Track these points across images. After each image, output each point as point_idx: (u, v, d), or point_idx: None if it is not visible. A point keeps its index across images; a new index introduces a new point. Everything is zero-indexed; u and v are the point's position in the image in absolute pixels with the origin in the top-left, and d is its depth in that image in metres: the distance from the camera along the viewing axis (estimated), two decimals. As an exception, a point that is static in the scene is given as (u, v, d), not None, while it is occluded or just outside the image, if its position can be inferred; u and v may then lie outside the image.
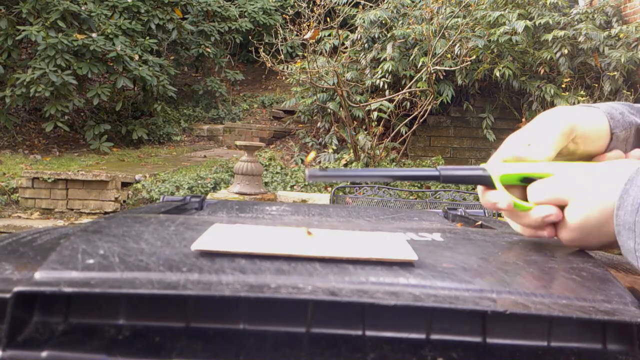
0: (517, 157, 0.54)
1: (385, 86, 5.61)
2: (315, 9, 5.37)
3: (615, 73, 5.13)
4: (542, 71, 5.38)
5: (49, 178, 4.86)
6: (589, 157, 0.57)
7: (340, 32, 5.81)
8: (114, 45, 6.18)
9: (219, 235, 0.49)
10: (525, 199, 0.54)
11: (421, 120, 5.37)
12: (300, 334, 0.36)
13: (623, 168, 0.46)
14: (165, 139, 7.41)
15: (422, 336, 0.36)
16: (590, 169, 0.50)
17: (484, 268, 0.43)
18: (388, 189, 3.90)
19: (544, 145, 0.53)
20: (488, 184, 0.54)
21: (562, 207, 0.51)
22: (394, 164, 5.42)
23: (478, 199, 4.44)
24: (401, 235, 0.55)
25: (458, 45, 5.34)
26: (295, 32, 5.45)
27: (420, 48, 5.63)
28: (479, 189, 0.56)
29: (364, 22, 5.88)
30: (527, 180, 0.54)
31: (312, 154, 0.60)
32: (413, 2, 6.15)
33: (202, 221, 0.59)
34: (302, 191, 5.05)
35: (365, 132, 5.37)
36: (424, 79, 5.26)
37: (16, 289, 0.34)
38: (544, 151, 0.53)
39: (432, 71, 5.11)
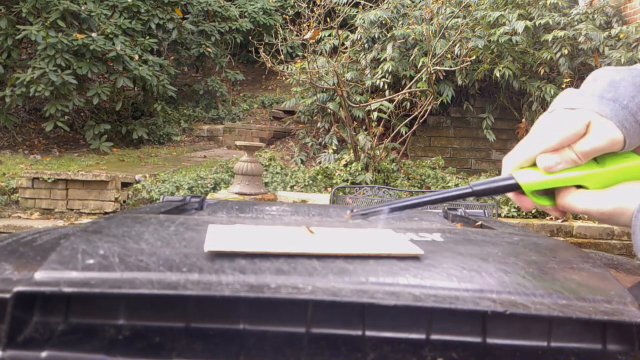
0: (546, 168, 0.54)
1: (385, 86, 5.61)
2: (315, 9, 5.37)
3: (615, 73, 5.13)
4: (542, 71, 5.38)
5: (49, 178, 4.86)
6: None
7: (340, 32, 5.81)
8: (113, 44, 6.18)
9: (227, 236, 0.49)
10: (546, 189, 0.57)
11: (421, 121, 5.37)
12: (300, 334, 0.36)
13: None
14: (165, 139, 7.41)
15: (422, 336, 0.36)
16: (611, 194, 0.52)
17: (484, 268, 0.43)
18: (388, 189, 3.90)
19: (583, 158, 0.53)
20: (518, 191, 0.55)
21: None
22: (394, 164, 5.42)
23: (478, 199, 4.43)
24: (401, 235, 0.55)
25: (458, 45, 5.34)
26: (295, 33, 5.45)
27: (420, 48, 5.63)
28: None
29: (364, 22, 5.88)
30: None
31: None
32: (413, 2, 6.15)
33: (202, 221, 0.59)
34: (302, 191, 5.05)
35: (365, 133, 5.37)
36: (424, 79, 5.26)
37: (16, 289, 0.34)
38: (580, 162, 0.53)
39: (432, 71, 5.11)
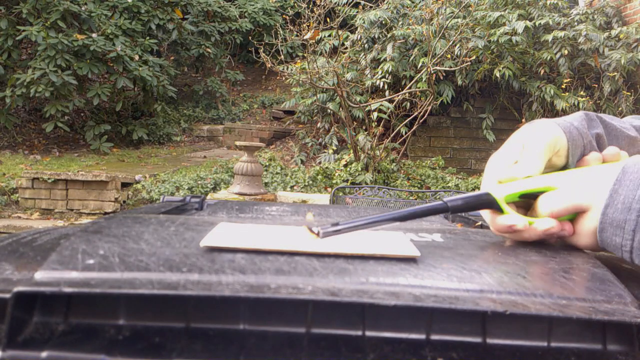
0: (511, 177, 0.55)
1: (385, 86, 5.61)
2: (315, 9, 5.37)
3: (615, 74, 5.14)
4: (542, 72, 5.38)
5: (48, 178, 4.86)
6: (563, 167, 0.59)
7: (340, 32, 5.81)
8: (114, 45, 6.18)
9: (226, 233, 0.49)
10: (523, 214, 0.56)
11: (421, 121, 5.37)
12: (300, 334, 0.36)
13: (610, 169, 0.50)
14: (165, 139, 7.41)
15: (422, 336, 0.36)
16: (587, 174, 0.52)
17: (484, 268, 0.43)
18: (388, 189, 3.90)
19: (534, 160, 0.55)
20: (494, 207, 0.55)
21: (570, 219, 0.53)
22: (394, 164, 5.42)
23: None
24: (401, 235, 0.55)
25: (458, 45, 5.34)
26: (295, 33, 5.45)
27: (420, 48, 5.63)
28: (486, 215, 0.57)
29: (364, 22, 5.88)
30: (526, 197, 0.55)
31: (310, 215, 0.56)
32: (413, 2, 6.15)
33: (202, 221, 0.59)
34: (302, 192, 5.05)
35: (365, 133, 5.37)
36: (424, 80, 5.26)
37: (16, 289, 0.34)
38: (535, 166, 0.55)
39: (432, 71, 5.11)
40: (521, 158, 0.56)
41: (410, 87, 5.33)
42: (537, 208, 0.54)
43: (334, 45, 6.10)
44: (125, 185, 5.10)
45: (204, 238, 0.47)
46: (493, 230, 0.56)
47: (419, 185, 5.24)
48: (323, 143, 6.22)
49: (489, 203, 0.54)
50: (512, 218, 0.53)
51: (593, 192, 0.50)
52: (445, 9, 5.39)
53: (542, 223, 0.52)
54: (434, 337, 0.36)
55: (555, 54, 5.30)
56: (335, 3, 5.92)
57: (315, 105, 6.06)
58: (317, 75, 5.41)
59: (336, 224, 0.49)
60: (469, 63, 5.26)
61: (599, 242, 0.49)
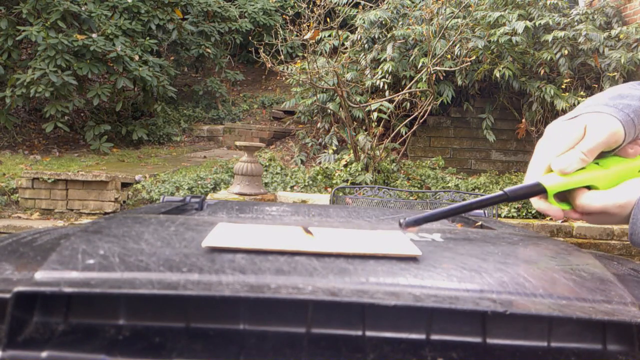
0: (561, 171, 0.61)
1: (385, 87, 5.61)
2: (315, 9, 5.37)
3: (615, 74, 5.14)
4: (542, 72, 5.38)
5: (48, 178, 4.86)
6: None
7: (340, 32, 5.81)
8: (114, 45, 6.18)
9: (226, 233, 0.49)
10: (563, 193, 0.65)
11: (421, 121, 5.37)
12: (300, 334, 0.36)
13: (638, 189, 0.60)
14: (165, 139, 7.41)
15: (422, 336, 0.36)
16: (621, 188, 0.61)
17: (484, 268, 0.43)
18: (388, 189, 3.90)
19: (589, 156, 0.62)
20: (544, 193, 0.63)
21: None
22: (394, 164, 5.42)
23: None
24: (401, 234, 0.55)
25: (458, 45, 5.34)
26: (295, 33, 5.45)
27: (420, 49, 5.63)
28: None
29: (364, 22, 5.88)
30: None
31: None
32: (413, 2, 6.15)
33: (202, 221, 0.59)
34: (302, 192, 5.05)
35: (365, 133, 5.37)
36: (424, 80, 5.26)
37: (16, 289, 0.34)
38: (587, 162, 0.62)
39: (432, 72, 5.11)
40: (578, 147, 0.62)
41: (410, 87, 5.33)
42: (575, 197, 0.63)
43: (334, 45, 6.09)
44: (125, 185, 5.10)
45: (204, 238, 0.47)
46: (534, 206, 0.65)
47: (419, 186, 5.24)
48: (323, 143, 6.22)
49: (541, 191, 0.62)
50: (554, 210, 0.63)
51: (622, 206, 0.60)
52: (445, 9, 5.39)
53: (572, 215, 0.64)
54: (434, 337, 0.36)
55: (555, 54, 5.30)
56: (335, 3, 5.92)
57: (315, 106, 6.05)
58: (317, 75, 5.40)
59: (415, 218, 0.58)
60: (469, 63, 5.26)
61: (631, 243, 0.59)
